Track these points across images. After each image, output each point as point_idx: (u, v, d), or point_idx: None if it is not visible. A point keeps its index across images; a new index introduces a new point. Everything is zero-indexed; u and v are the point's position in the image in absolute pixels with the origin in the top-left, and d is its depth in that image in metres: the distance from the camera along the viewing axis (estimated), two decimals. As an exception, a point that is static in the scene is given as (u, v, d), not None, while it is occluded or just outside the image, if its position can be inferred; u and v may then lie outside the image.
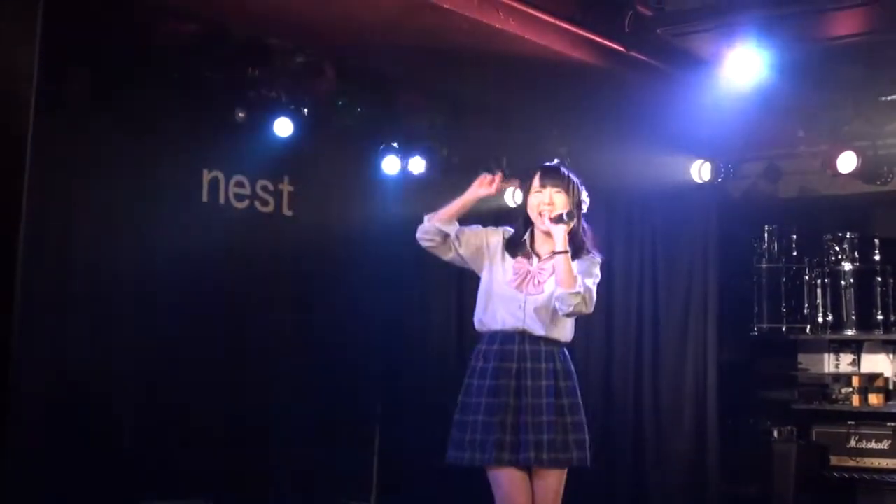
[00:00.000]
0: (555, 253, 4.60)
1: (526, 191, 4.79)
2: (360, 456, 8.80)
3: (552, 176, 4.75)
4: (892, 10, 6.14)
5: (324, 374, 8.56)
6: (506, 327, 4.64)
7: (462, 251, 4.76)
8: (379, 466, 8.89)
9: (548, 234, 4.69)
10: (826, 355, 9.06)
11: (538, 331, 4.65)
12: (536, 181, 4.75)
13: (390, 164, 8.25)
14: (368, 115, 7.58)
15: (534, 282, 4.69)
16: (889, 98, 7.18)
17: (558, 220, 4.64)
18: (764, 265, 8.81)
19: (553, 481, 4.65)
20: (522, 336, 4.63)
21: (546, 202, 4.69)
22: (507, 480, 4.53)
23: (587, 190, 4.91)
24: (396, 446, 8.77)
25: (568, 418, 4.62)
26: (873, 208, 9.00)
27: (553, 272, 4.62)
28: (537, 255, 4.74)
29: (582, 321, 8.45)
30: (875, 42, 6.58)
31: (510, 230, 4.83)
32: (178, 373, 7.48)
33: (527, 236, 4.78)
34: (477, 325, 4.76)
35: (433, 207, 4.82)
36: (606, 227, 8.59)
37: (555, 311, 4.63)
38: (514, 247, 4.74)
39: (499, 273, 4.70)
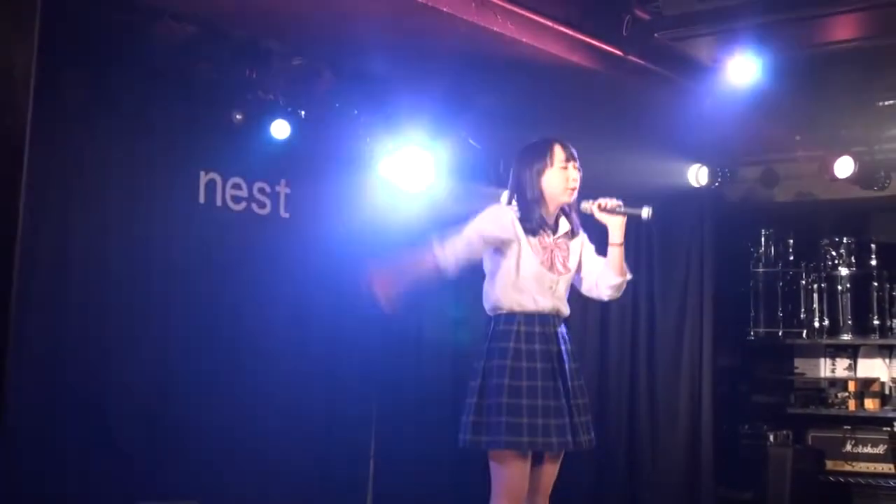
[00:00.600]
0: (612, 245, 4.63)
1: (540, 166, 4.60)
2: (356, 460, 8.78)
3: (572, 150, 4.66)
4: (887, 15, 6.15)
5: (320, 377, 8.55)
6: (541, 308, 4.52)
7: (484, 247, 4.60)
8: (375, 471, 8.87)
9: (563, 211, 4.64)
10: (822, 360, 9.08)
11: (566, 311, 4.64)
12: (560, 155, 4.60)
13: (386, 167, 8.25)
14: (365, 118, 7.57)
15: (559, 261, 4.62)
16: (886, 103, 7.20)
17: (612, 211, 4.61)
18: (760, 269, 8.84)
19: (558, 464, 4.67)
20: (557, 317, 4.58)
21: (574, 178, 4.61)
22: (522, 468, 4.43)
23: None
24: (392, 450, 8.76)
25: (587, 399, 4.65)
26: (870, 213, 9.04)
27: (568, 251, 4.66)
28: (551, 231, 4.63)
29: (578, 323, 8.53)
30: (871, 47, 6.59)
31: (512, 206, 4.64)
32: (173, 375, 7.45)
33: (542, 212, 4.62)
34: (502, 305, 4.55)
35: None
36: (602, 231, 8.60)
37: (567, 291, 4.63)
38: (534, 225, 4.57)
39: (526, 252, 4.53)
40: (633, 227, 8.41)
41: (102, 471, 6.96)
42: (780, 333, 8.76)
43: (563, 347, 4.55)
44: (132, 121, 7.04)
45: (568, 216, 4.72)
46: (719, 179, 8.15)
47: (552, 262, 4.59)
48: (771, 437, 8.45)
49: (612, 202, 4.64)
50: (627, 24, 6.27)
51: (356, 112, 7.39)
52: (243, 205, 8.03)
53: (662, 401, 8.20)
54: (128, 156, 7.16)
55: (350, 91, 7.35)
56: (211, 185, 7.82)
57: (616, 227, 4.62)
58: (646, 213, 4.63)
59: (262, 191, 8.17)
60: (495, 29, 6.10)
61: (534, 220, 4.56)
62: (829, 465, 8.49)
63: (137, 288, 7.26)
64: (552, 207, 4.63)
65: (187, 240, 7.49)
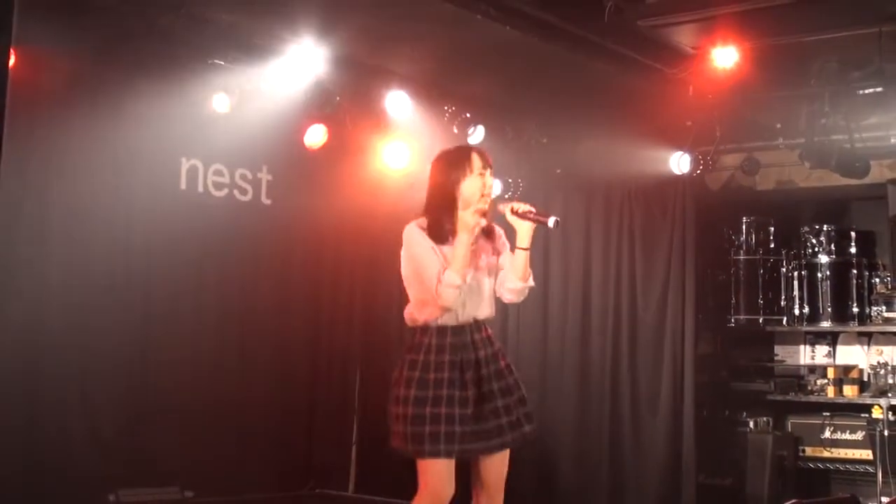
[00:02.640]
0: (519, 248, 4.66)
1: (458, 174, 4.62)
2: (339, 445, 8.80)
3: (488, 159, 4.72)
4: (866, 4, 6.18)
5: (302, 363, 8.57)
6: (455, 319, 4.59)
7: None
8: (357, 456, 8.90)
9: (480, 214, 4.63)
10: (802, 347, 9.13)
11: (484, 314, 4.69)
12: (477, 163, 4.65)
13: (369, 154, 8.24)
14: (348, 104, 7.56)
15: (482, 262, 4.68)
16: (866, 92, 7.21)
17: (523, 216, 4.65)
18: (741, 257, 8.87)
19: (500, 462, 4.66)
20: (473, 324, 4.63)
21: (490, 185, 4.67)
22: (443, 471, 4.49)
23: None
24: (375, 435, 8.77)
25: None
26: (850, 201, 9.08)
27: (491, 251, 4.70)
28: (452, 237, 4.62)
29: (559, 312, 8.54)
30: (851, 36, 6.62)
31: (420, 221, 4.66)
32: (155, 361, 7.46)
33: (454, 219, 4.62)
34: (416, 318, 4.63)
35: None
36: (585, 218, 8.62)
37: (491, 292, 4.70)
38: (444, 232, 4.60)
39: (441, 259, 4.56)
40: (615, 216, 8.52)
41: (83, 459, 6.97)
42: (760, 321, 8.79)
43: (479, 354, 4.60)
44: (113, 107, 7.03)
45: (484, 217, 4.71)
46: (700, 167, 8.17)
47: (475, 261, 4.65)
48: (751, 424, 8.49)
49: (523, 207, 4.69)
50: (609, 12, 6.26)
51: (338, 99, 7.37)
52: (225, 191, 8.03)
53: (644, 388, 8.21)
54: (108, 142, 7.15)
55: (334, 77, 7.33)
56: (192, 172, 7.82)
57: (525, 231, 4.67)
58: (552, 222, 4.65)
59: (243, 177, 8.17)
60: (478, 16, 6.10)
61: (444, 228, 4.61)
62: (809, 451, 8.53)
63: (119, 274, 7.26)
64: (457, 212, 4.63)
65: (169, 226, 7.48)
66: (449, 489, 4.53)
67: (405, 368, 4.55)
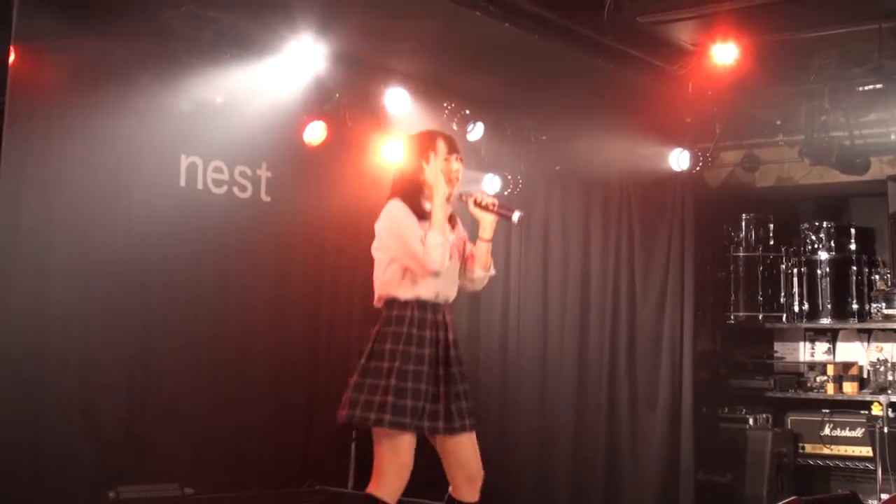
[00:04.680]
0: (481, 239, 4.74)
1: (424, 158, 4.69)
2: (338, 441, 8.80)
3: (456, 144, 4.77)
4: (866, 1, 6.18)
5: (301, 360, 8.56)
6: (433, 295, 4.65)
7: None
8: (356, 452, 8.89)
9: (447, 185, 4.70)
10: (801, 344, 9.14)
11: (452, 296, 4.78)
12: (442, 148, 4.71)
13: (368, 151, 8.24)
14: (347, 101, 7.56)
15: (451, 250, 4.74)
16: (865, 88, 7.22)
17: (486, 208, 4.70)
18: (741, 254, 8.87)
19: (466, 442, 4.69)
20: (446, 304, 4.72)
21: (456, 170, 4.71)
22: (412, 446, 4.57)
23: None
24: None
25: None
26: (849, 198, 9.08)
27: (456, 238, 4.76)
28: (429, 218, 4.67)
29: (558, 308, 8.54)
30: (850, 33, 6.62)
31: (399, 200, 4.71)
32: (155, 359, 7.46)
33: (422, 201, 4.71)
34: (397, 294, 4.64)
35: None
36: (584, 215, 8.62)
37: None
38: (419, 214, 4.66)
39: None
40: (614, 213, 8.52)
41: (83, 455, 6.96)
42: (759, 317, 8.80)
43: (449, 335, 4.69)
44: (113, 103, 7.02)
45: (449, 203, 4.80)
46: (700, 164, 8.16)
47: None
48: (750, 421, 8.50)
49: (487, 199, 4.74)
50: (609, 8, 6.26)
51: (337, 96, 7.36)
52: (224, 188, 8.02)
53: (642, 384, 8.21)
54: (108, 138, 7.14)
55: (333, 74, 7.32)
56: (192, 169, 7.81)
57: (488, 223, 4.74)
58: (516, 217, 4.70)
59: (243, 174, 8.16)
60: (477, 13, 6.10)
61: (420, 210, 4.67)
62: (808, 448, 8.54)
63: (118, 271, 7.25)
64: (430, 195, 4.70)
65: (168, 223, 7.47)
66: (410, 468, 4.59)
67: (388, 341, 4.58)
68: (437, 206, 4.61)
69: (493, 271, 4.86)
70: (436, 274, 4.58)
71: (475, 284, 4.87)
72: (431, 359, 4.59)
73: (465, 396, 4.67)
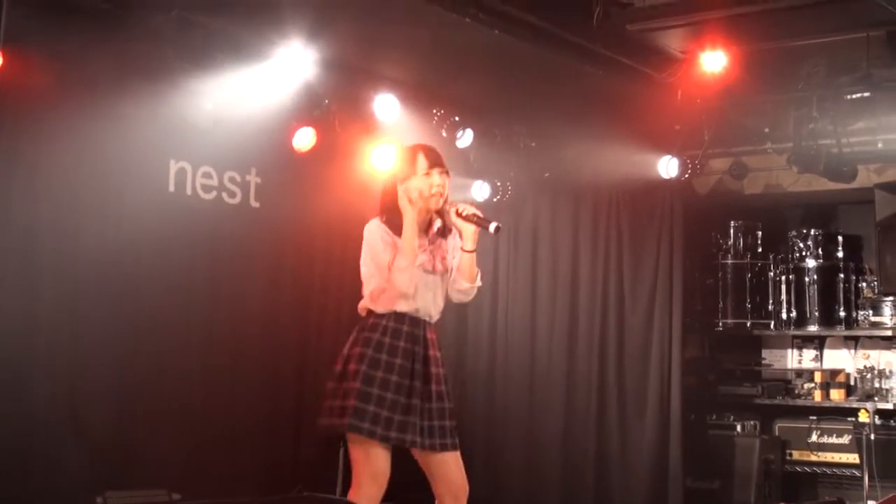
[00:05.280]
0: (463, 250, 4.74)
1: (404, 174, 4.73)
2: (327, 447, 8.79)
3: (438, 158, 4.78)
4: (853, 10, 6.20)
5: (290, 366, 8.55)
6: (412, 309, 4.69)
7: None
8: (345, 458, 8.88)
9: (437, 214, 4.78)
10: (789, 351, 9.17)
11: (436, 314, 4.83)
12: (423, 163, 4.72)
13: (357, 158, 8.24)
14: (336, 107, 7.56)
15: (438, 260, 4.78)
16: (853, 97, 7.25)
17: (467, 219, 4.70)
18: (729, 261, 8.90)
19: (449, 459, 4.72)
20: (427, 322, 4.75)
21: (438, 184, 4.71)
22: (379, 455, 4.60)
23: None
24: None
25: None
26: (837, 206, 9.12)
27: (446, 250, 4.82)
28: (423, 233, 4.76)
29: (547, 315, 8.55)
30: (839, 41, 6.64)
31: (379, 220, 4.78)
32: (144, 363, 7.44)
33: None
34: (375, 307, 4.70)
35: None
36: (573, 222, 8.63)
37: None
38: (398, 229, 4.69)
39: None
40: (603, 220, 8.53)
41: (71, 461, 6.94)
42: (747, 324, 8.82)
43: (429, 352, 4.71)
44: (101, 108, 7.00)
45: (441, 216, 4.84)
46: (689, 171, 8.19)
47: (433, 262, 4.75)
48: (738, 428, 8.53)
49: (468, 210, 4.74)
50: (598, 16, 6.28)
51: (326, 101, 7.37)
52: (213, 194, 8.01)
53: (631, 391, 8.24)
54: (96, 143, 7.13)
55: (323, 80, 7.33)
56: (181, 174, 7.80)
57: (469, 234, 4.74)
58: (493, 227, 4.71)
59: (232, 180, 8.15)
60: (467, 20, 6.11)
61: (397, 225, 4.69)
62: (796, 454, 8.57)
63: (107, 276, 7.23)
64: (420, 213, 4.73)
65: (157, 229, 7.46)
66: (386, 475, 4.63)
67: (358, 345, 4.65)
68: (406, 229, 4.63)
69: (479, 282, 4.86)
70: (405, 296, 4.62)
71: (461, 296, 4.88)
72: (403, 370, 4.61)
73: (445, 415, 4.69)
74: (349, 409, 4.51)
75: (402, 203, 4.67)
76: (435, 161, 4.73)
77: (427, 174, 4.70)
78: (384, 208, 4.77)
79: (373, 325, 4.66)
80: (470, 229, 4.71)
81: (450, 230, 4.85)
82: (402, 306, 4.66)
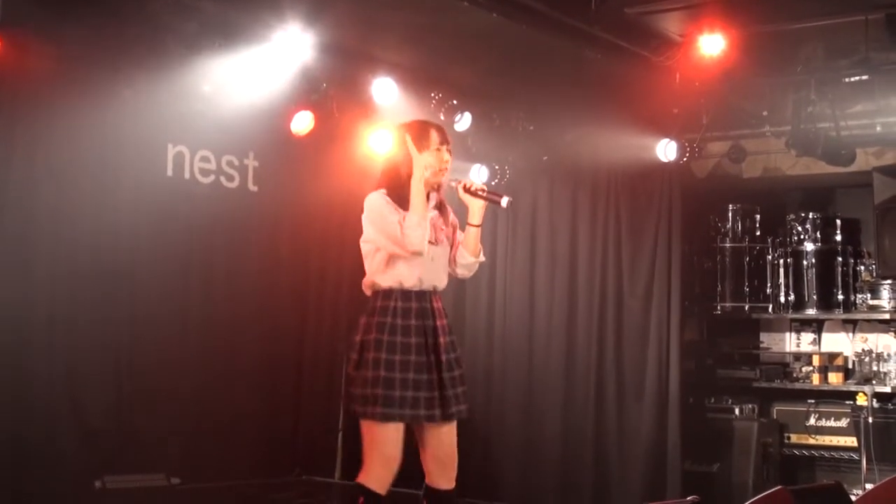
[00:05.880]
0: (470, 224, 4.79)
1: (416, 148, 4.73)
2: (325, 431, 8.81)
3: (447, 135, 4.84)
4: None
5: (288, 350, 8.57)
6: (418, 283, 4.71)
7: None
8: (343, 442, 8.90)
9: (434, 188, 4.80)
10: (787, 334, 9.17)
11: (442, 284, 4.85)
12: (435, 138, 4.77)
13: (355, 141, 8.23)
14: (334, 91, 7.54)
15: (439, 233, 4.81)
16: (852, 80, 7.23)
17: (474, 193, 4.75)
18: (727, 244, 8.89)
19: (448, 431, 4.76)
20: (433, 292, 4.78)
21: (446, 160, 4.78)
22: (395, 436, 4.62)
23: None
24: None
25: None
26: (835, 189, 9.11)
27: (447, 225, 4.86)
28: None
29: (546, 299, 8.56)
30: (837, 24, 6.63)
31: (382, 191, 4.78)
32: (141, 348, 7.45)
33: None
34: (381, 282, 4.72)
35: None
36: (571, 205, 8.63)
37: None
38: (404, 203, 4.71)
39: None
40: (601, 203, 8.52)
41: (70, 446, 6.96)
42: (746, 308, 8.82)
43: (438, 322, 4.74)
44: (99, 92, 6.99)
45: (438, 192, 4.89)
46: (687, 154, 8.17)
47: (435, 233, 4.77)
48: (736, 411, 8.53)
49: (476, 184, 4.81)
50: (596, -1, 6.28)
51: (324, 86, 7.35)
52: (212, 178, 8.02)
53: (629, 374, 8.23)
54: (94, 127, 7.12)
55: (320, 64, 7.31)
56: (179, 158, 7.80)
57: (476, 208, 4.80)
58: (505, 202, 4.76)
59: (230, 164, 8.15)
60: (464, 2, 6.10)
61: (404, 199, 4.71)
62: (794, 438, 8.57)
63: (105, 260, 7.24)
64: (424, 186, 4.75)
65: (155, 212, 7.47)
66: (398, 459, 4.65)
67: (372, 331, 4.66)
68: (415, 189, 4.66)
69: (482, 257, 4.92)
70: (418, 254, 4.64)
71: (465, 270, 4.92)
72: (419, 347, 4.65)
73: (459, 382, 4.74)
74: (378, 398, 4.55)
75: (416, 165, 4.68)
76: (445, 138, 4.80)
77: (438, 150, 4.76)
78: (388, 182, 4.79)
79: (382, 309, 4.68)
80: (477, 204, 4.76)
81: (445, 206, 4.89)
82: (408, 279, 4.68)
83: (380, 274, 4.71)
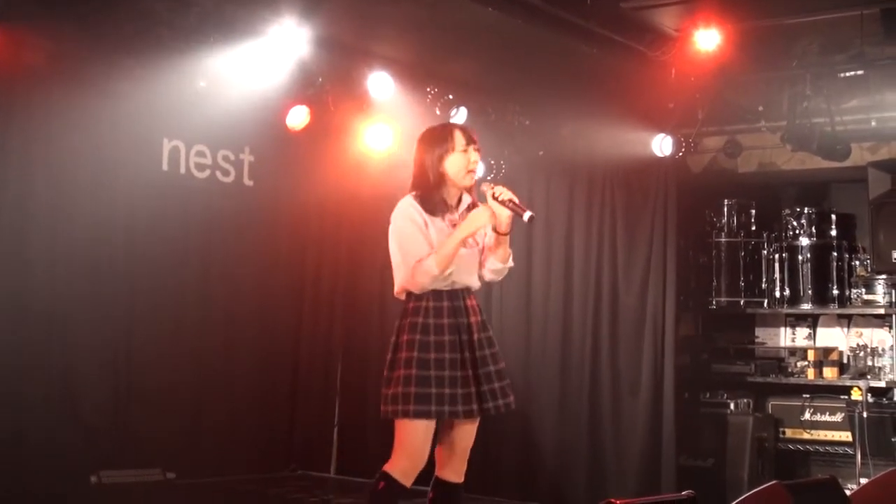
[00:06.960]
0: (497, 233, 4.75)
1: (442, 150, 4.74)
2: (321, 427, 8.82)
3: (472, 135, 4.83)
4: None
5: (284, 345, 8.57)
6: (449, 285, 4.72)
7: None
8: (339, 437, 8.91)
9: (466, 190, 4.82)
10: (783, 329, 9.18)
11: (475, 285, 4.86)
12: (460, 140, 4.76)
13: (351, 136, 8.23)
14: (330, 86, 7.54)
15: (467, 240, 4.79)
16: (847, 75, 7.24)
17: (503, 203, 4.69)
18: (723, 239, 8.89)
19: (472, 428, 4.83)
20: (465, 291, 4.79)
21: (474, 161, 4.78)
22: (426, 433, 4.65)
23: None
24: (356, 417, 8.79)
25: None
26: (831, 184, 9.12)
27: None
28: (454, 210, 4.80)
29: (541, 294, 8.56)
30: (833, 19, 6.63)
31: (414, 195, 4.78)
32: (138, 343, 7.45)
33: (443, 194, 4.78)
34: (412, 288, 4.73)
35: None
36: (567, 200, 8.63)
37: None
38: (435, 206, 4.74)
39: (433, 233, 4.71)
40: (597, 198, 8.53)
41: (66, 440, 6.96)
42: (741, 303, 8.83)
43: (471, 319, 4.76)
44: (95, 87, 6.99)
45: (470, 193, 4.89)
46: (682, 149, 8.18)
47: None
48: (731, 406, 8.55)
49: (505, 194, 4.74)
50: (592, -6, 6.28)
51: (320, 80, 7.35)
52: (207, 172, 8.01)
53: (624, 369, 8.24)
54: (90, 122, 7.12)
55: (316, 59, 7.31)
56: (174, 153, 7.79)
57: (504, 218, 4.76)
58: (527, 217, 4.72)
59: (226, 158, 8.15)
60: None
61: (434, 203, 4.73)
62: (788, 433, 8.59)
63: (101, 255, 7.24)
64: (453, 189, 4.80)
65: (151, 206, 7.47)
66: (424, 455, 4.70)
67: (405, 332, 4.68)
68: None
69: (511, 262, 4.92)
70: (422, 289, 4.66)
71: (494, 275, 4.92)
72: (452, 345, 4.66)
73: (497, 377, 4.77)
74: (411, 396, 4.57)
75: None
76: (471, 139, 4.79)
77: (465, 150, 4.75)
78: (420, 185, 4.78)
79: (414, 309, 4.70)
80: (505, 213, 4.73)
81: (476, 207, 4.85)
82: (439, 285, 4.69)
83: (410, 281, 4.70)
